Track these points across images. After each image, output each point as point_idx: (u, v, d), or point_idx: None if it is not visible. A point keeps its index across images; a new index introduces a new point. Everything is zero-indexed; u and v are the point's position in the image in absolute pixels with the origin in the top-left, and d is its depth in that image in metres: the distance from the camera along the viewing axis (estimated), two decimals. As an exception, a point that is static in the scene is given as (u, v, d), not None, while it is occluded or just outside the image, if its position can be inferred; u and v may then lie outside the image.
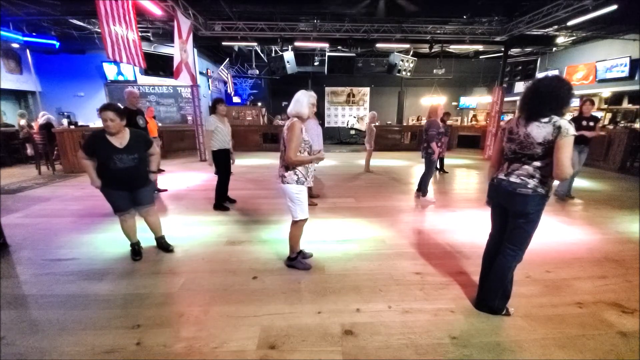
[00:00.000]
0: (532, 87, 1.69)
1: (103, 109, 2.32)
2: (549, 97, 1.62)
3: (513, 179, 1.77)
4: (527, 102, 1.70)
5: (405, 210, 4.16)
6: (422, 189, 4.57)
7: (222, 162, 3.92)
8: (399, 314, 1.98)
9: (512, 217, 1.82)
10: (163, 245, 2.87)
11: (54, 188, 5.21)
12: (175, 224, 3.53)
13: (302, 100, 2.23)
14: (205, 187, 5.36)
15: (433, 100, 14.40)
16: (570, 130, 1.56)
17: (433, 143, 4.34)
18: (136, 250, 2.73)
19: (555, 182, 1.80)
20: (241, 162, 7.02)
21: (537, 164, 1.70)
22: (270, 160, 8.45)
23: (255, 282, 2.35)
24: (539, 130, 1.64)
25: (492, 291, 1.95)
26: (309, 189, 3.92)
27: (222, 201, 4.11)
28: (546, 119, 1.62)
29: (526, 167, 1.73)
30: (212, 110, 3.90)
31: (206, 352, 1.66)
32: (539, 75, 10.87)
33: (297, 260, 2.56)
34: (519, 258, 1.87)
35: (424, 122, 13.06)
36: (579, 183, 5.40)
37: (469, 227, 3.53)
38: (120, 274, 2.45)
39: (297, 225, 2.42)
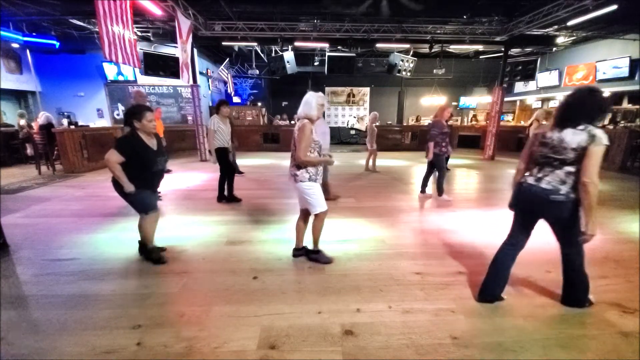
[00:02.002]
0: (569, 97, 1.77)
1: (146, 110, 2.32)
2: (581, 109, 1.71)
3: (544, 185, 1.80)
4: (563, 110, 1.77)
5: (405, 210, 4.15)
6: (438, 188, 4.56)
7: (221, 159, 4.13)
8: (400, 314, 1.98)
9: (552, 225, 1.88)
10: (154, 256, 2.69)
11: (54, 188, 5.21)
12: (176, 224, 3.53)
13: (311, 102, 2.29)
14: (205, 187, 5.36)
15: (440, 100, 14.47)
16: (604, 140, 1.61)
17: (431, 143, 4.33)
18: (159, 253, 2.63)
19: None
20: (241, 162, 7.01)
21: (569, 169, 1.73)
22: (270, 160, 8.46)
23: (255, 282, 2.35)
24: (574, 137, 1.69)
25: (573, 286, 2.02)
26: (327, 191, 3.96)
27: (222, 194, 4.33)
28: (582, 127, 1.68)
29: (558, 172, 1.77)
30: (216, 110, 4.10)
31: (207, 352, 1.65)
32: (538, 74, 10.91)
33: (320, 254, 2.64)
34: (582, 252, 1.91)
35: (424, 122, 13.08)
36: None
37: (469, 227, 3.53)
38: (121, 274, 2.45)
39: (318, 219, 2.52)
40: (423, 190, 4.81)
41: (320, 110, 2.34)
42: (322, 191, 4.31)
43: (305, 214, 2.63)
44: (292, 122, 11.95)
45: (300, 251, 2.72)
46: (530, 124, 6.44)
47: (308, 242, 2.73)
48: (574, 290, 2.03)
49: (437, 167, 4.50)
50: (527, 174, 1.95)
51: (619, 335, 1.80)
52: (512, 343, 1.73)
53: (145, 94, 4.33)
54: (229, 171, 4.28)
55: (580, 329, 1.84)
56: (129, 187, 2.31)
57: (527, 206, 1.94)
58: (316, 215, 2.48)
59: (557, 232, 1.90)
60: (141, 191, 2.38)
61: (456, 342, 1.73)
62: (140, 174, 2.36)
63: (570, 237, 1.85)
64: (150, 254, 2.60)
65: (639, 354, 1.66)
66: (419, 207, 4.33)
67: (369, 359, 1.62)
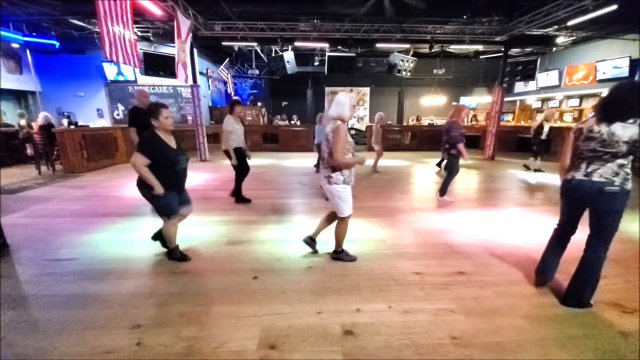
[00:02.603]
0: (614, 91, 1.80)
1: (162, 107, 2.29)
2: (627, 103, 1.76)
3: (596, 178, 1.85)
4: (609, 105, 1.82)
5: (405, 210, 4.15)
6: (442, 189, 4.49)
7: (236, 158, 4.11)
8: (400, 314, 1.98)
9: (600, 217, 1.92)
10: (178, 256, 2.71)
11: (54, 188, 5.21)
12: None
13: (345, 103, 2.26)
14: (205, 187, 5.37)
15: (440, 100, 14.47)
16: None
17: (460, 144, 4.12)
18: (182, 253, 2.66)
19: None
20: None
21: (621, 161, 1.78)
22: (270, 160, 8.46)
23: (255, 282, 2.35)
24: (625, 130, 1.74)
25: (584, 285, 2.02)
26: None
27: (239, 193, 4.32)
28: (631, 120, 1.74)
29: (609, 165, 1.81)
30: (230, 110, 4.10)
31: (207, 352, 1.66)
32: (538, 74, 10.90)
33: (343, 253, 2.67)
34: (607, 251, 1.98)
35: (424, 122, 13.07)
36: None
37: (469, 227, 3.53)
38: (121, 274, 2.45)
39: (343, 222, 2.53)
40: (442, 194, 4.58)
41: (353, 111, 2.33)
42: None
43: (333, 215, 2.61)
44: (292, 122, 11.95)
45: (312, 242, 2.75)
46: (539, 125, 6.46)
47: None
48: (583, 290, 2.04)
49: (450, 167, 4.42)
50: (572, 170, 1.99)
51: (619, 335, 1.80)
52: (511, 343, 1.73)
53: (148, 93, 4.29)
54: (244, 170, 4.28)
55: (580, 329, 1.84)
56: (159, 189, 2.27)
57: (577, 200, 2.00)
58: (342, 218, 2.49)
59: (599, 226, 1.94)
60: (167, 194, 2.35)
61: (456, 342, 1.74)
62: (165, 175, 2.32)
63: (610, 233, 1.92)
64: (172, 254, 2.64)
65: (639, 354, 1.66)
66: (418, 207, 4.32)
67: (369, 359, 1.63)
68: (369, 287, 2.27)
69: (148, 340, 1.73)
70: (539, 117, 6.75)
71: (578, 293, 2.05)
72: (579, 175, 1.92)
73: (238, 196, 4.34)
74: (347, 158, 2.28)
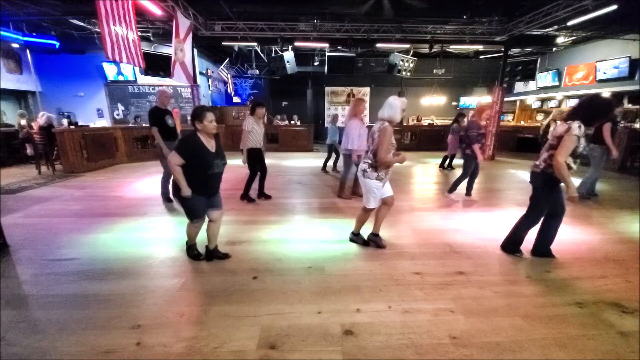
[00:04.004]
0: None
1: (207, 111, 2.28)
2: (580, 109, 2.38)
3: (537, 162, 2.48)
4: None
5: (405, 210, 4.15)
6: (451, 187, 4.50)
7: (254, 159, 4.30)
8: (399, 314, 1.98)
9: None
10: (218, 255, 2.70)
11: (54, 188, 5.21)
12: (176, 224, 3.53)
13: (397, 106, 2.46)
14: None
15: (440, 100, 14.44)
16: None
17: (475, 145, 4.03)
18: (198, 251, 2.70)
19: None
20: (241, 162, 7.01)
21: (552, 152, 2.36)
22: (270, 160, 8.38)
23: (255, 282, 2.35)
24: (557, 128, 2.32)
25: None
26: (342, 189, 4.53)
27: (248, 193, 4.46)
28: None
29: (545, 154, 2.45)
30: (251, 112, 4.18)
31: (206, 352, 1.66)
32: (538, 74, 10.90)
33: (378, 237, 2.94)
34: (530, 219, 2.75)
35: (424, 122, 13.06)
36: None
37: (469, 227, 3.53)
38: (121, 274, 2.45)
39: (366, 212, 2.84)
40: (468, 193, 4.62)
41: (401, 115, 2.51)
42: (339, 188, 4.53)
43: (386, 204, 2.82)
44: (292, 122, 11.95)
45: (357, 236, 3.02)
46: (548, 125, 6.46)
47: (308, 242, 2.72)
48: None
49: (465, 167, 4.36)
50: None
51: (618, 335, 1.80)
52: (510, 343, 1.73)
53: (170, 94, 4.13)
54: (262, 170, 4.49)
55: (579, 329, 1.84)
56: (186, 191, 2.26)
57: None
58: (367, 209, 2.78)
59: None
60: (195, 196, 2.32)
61: (455, 341, 1.74)
62: (198, 177, 2.30)
63: (531, 203, 2.75)
64: (188, 250, 2.70)
65: (639, 354, 1.66)
66: (418, 207, 4.32)
67: (369, 358, 1.63)
68: (368, 287, 2.28)
69: (148, 340, 1.73)
70: (549, 118, 6.81)
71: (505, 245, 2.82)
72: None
73: (260, 192, 4.57)
74: (389, 157, 2.50)
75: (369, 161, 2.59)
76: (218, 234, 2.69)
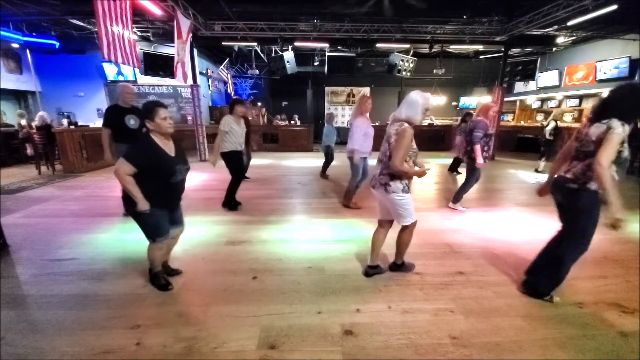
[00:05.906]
0: (609, 94, 1.80)
1: (159, 106, 1.90)
2: (613, 104, 1.79)
3: (569, 175, 1.91)
4: (597, 107, 1.84)
5: (405, 210, 4.14)
6: (455, 196, 4.09)
7: (235, 163, 3.86)
8: (399, 314, 1.98)
9: (565, 212, 2.05)
10: (169, 271, 2.41)
11: (54, 188, 5.21)
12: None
13: (418, 104, 2.00)
14: (204, 187, 5.37)
15: (440, 100, 14.42)
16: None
17: (477, 146, 3.65)
18: (166, 280, 2.27)
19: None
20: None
21: (590, 161, 1.79)
22: (269, 160, 8.46)
23: (255, 282, 2.35)
24: (595, 130, 1.77)
25: (546, 276, 2.12)
26: (348, 198, 4.04)
27: (230, 200, 4.05)
28: (605, 120, 1.75)
29: (580, 164, 1.88)
30: (230, 110, 3.78)
31: (206, 352, 1.66)
32: (538, 74, 10.90)
33: (404, 266, 2.46)
34: (571, 250, 2.07)
35: (424, 122, 13.08)
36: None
37: (469, 227, 3.52)
38: (120, 274, 2.45)
39: (407, 230, 2.26)
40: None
41: (424, 116, 2.05)
42: (344, 197, 4.04)
43: (386, 226, 2.39)
44: (292, 122, 11.95)
45: (376, 269, 2.42)
46: (548, 125, 6.53)
47: (308, 242, 2.70)
48: (541, 280, 2.12)
49: (468, 173, 3.96)
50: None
51: (618, 335, 1.80)
52: (510, 343, 1.73)
53: (134, 90, 3.69)
54: (238, 176, 3.98)
55: (579, 329, 1.84)
56: (143, 205, 1.87)
57: (555, 198, 2.09)
58: (405, 226, 2.22)
59: (563, 222, 2.04)
60: (155, 211, 1.96)
61: (455, 342, 1.73)
62: (156, 188, 1.93)
63: (570, 229, 2.03)
64: (154, 279, 2.26)
65: (639, 354, 1.66)
66: (418, 208, 4.30)
67: (369, 359, 1.62)
68: (368, 287, 2.27)
69: (147, 340, 1.73)
70: (550, 118, 6.91)
71: (535, 282, 2.14)
72: (560, 174, 1.98)
73: (228, 202, 4.04)
74: (405, 167, 2.00)
75: (386, 171, 2.10)
76: (172, 249, 2.37)
